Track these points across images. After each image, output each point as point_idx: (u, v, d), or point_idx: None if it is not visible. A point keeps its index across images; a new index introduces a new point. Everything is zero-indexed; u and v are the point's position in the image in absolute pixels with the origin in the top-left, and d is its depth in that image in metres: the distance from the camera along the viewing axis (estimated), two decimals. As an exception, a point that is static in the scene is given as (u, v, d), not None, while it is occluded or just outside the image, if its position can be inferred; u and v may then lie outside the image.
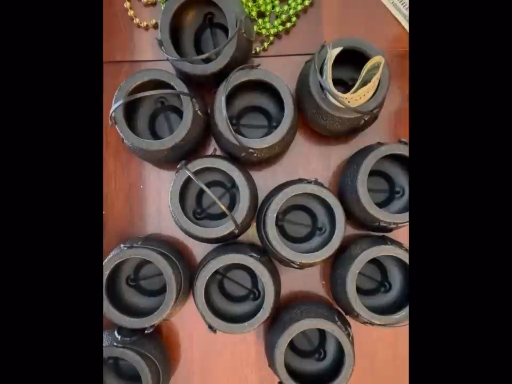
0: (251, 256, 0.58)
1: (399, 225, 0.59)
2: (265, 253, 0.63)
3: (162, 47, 0.58)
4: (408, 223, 0.58)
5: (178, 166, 0.58)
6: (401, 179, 0.64)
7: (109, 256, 0.60)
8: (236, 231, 0.59)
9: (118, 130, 0.58)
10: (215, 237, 0.59)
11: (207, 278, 0.58)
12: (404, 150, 0.57)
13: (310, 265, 0.60)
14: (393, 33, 0.67)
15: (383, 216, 0.57)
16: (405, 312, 0.58)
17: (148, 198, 0.69)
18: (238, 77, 0.57)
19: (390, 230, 0.62)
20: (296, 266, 0.59)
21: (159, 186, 0.68)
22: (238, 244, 0.66)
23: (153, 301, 0.64)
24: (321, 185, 0.59)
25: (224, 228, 0.58)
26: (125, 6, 0.68)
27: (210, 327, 0.58)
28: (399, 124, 0.67)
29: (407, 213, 0.57)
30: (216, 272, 0.60)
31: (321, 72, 0.56)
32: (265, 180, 0.68)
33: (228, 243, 0.65)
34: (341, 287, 0.59)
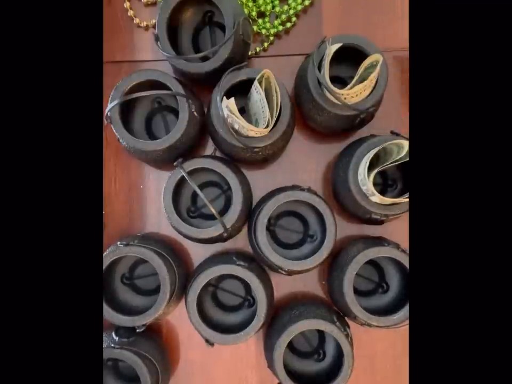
0: (239, 265, 0.59)
1: (390, 217, 0.59)
2: (252, 259, 0.64)
3: (158, 43, 0.58)
4: (399, 215, 0.58)
5: (174, 164, 0.58)
6: (394, 171, 0.64)
7: (105, 253, 0.60)
8: (225, 235, 0.59)
9: (114, 130, 0.58)
10: (205, 238, 0.59)
11: (198, 292, 0.58)
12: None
13: (299, 272, 0.60)
14: (393, 33, 0.67)
15: (373, 207, 0.57)
16: (403, 313, 0.58)
17: (147, 198, 0.69)
18: (230, 78, 0.57)
19: (382, 222, 0.62)
20: (284, 272, 0.59)
21: (159, 186, 0.68)
22: (225, 254, 0.66)
23: (147, 300, 0.64)
24: (314, 193, 0.60)
25: (214, 230, 0.58)
26: (125, 6, 0.68)
27: (207, 341, 0.59)
28: (398, 123, 0.67)
29: (399, 205, 0.57)
30: (208, 284, 0.60)
31: (319, 68, 0.56)
32: (265, 180, 0.68)
33: (215, 254, 0.67)
34: (339, 289, 0.59)
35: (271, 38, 0.68)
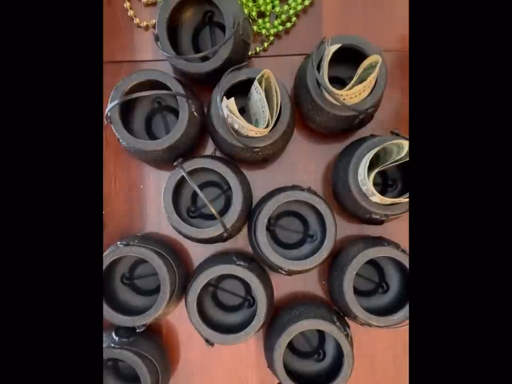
0: (239, 265, 0.59)
1: (390, 217, 0.59)
2: (252, 260, 0.64)
3: (158, 43, 0.58)
4: (399, 215, 0.59)
5: (175, 164, 0.58)
6: (394, 171, 0.64)
7: (105, 253, 0.60)
8: (225, 234, 0.59)
9: (114, 130, 0.58)
10: (205, 238, 0.59)
11: (198, 292, 0.58)
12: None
13: (298, 272, 0.60)
14: (393, 33, 0.67)
15: (373, 207, 0.57)
16: (403, 313, 0.58)
17: (147, 198, 0.69)
18: (230, 78, 0.57)
19: (382, 222, 0.62)
20: (284, 272, 0.59)
21: (159, 186, 0.68)
22: (224, 254, 0.66)
23: (147, 300, 0.64)
24: (314, 193, 0.60)
25: (214, 230, 0.58)
26: (125, 6, 0.68)
27: (207, 341, 0.59)
28: (398, 124, 0.67)
29: (399, 205, 0.57)
30: (208, 284, 0.60)
31: (319, 69, 0.56)
32: (265, 180, 0.68)
33: (215, 254, 0.67)
34: (339, 289, 0.59)
35: (271, 38, 0.68)
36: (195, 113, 0.59)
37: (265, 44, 0.68)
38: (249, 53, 0.67)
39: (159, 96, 0.65)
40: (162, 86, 0.58)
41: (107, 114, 0.57)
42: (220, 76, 0.57)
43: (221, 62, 0.58)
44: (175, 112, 0.64)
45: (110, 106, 0.57)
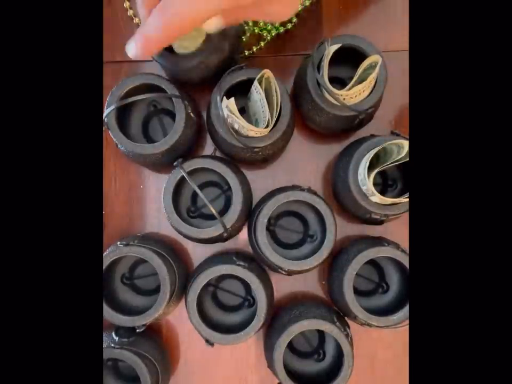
0: (239, 265, 0.59)
1: (390, 217, 0.59)
2: (252, 259, 0.64)
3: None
4: (399, 216, 0.59)
5: (174, 164, 0.58)
6: (394, 171, 0.64)
7: (105, 253, 0.60)
8: (225, 235, 0.59)
9: (111, 135, 0.58)
10: (205, 238, 0.59)
11: (198, 292, 0.58)
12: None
13: (298, 272, 0.60)
14: (393, 33, 0.67)
15: (373, 207, 0.57)
16: (403, 313, 0.58)
17: (147, 198, 0.69)
18: (230, 78, 0.57)
19: (382, 222, 0.62)
20: (284, 272, 0.59)
21: (159, 186, 0.68)
22: (224, 254, 0.66)
23: (147, 300, 0.64)
24: (314, 193, 0.60)
25: (214, 230, 0.58)
26: (125, 6, 0.68)
27: (207, 341, 0.59)
28: (398, 123, 0.67)
29: (399, 205, 0.57)
30: (208, 284, 0.60)
31: (319, 69, 0.56)
32: (265, 180, 0.68)
33: (215, 254, 0.67)
34: (339, 289, 0.59)
35: (268, 37, 0.67)
36: (191, 114, 0.59)
37: (262, 43, 0.67)
38: (247, 53, 0.67)
39: (154, 99, 0.65)
40: (158, 89, 0.58)
41: (104, 120, 0.57)
42: (219, 76, 0.57)
43: (218, 62, 0.58)
44: (172, 115, 0.64)
45: (107, 112, 0.57)
